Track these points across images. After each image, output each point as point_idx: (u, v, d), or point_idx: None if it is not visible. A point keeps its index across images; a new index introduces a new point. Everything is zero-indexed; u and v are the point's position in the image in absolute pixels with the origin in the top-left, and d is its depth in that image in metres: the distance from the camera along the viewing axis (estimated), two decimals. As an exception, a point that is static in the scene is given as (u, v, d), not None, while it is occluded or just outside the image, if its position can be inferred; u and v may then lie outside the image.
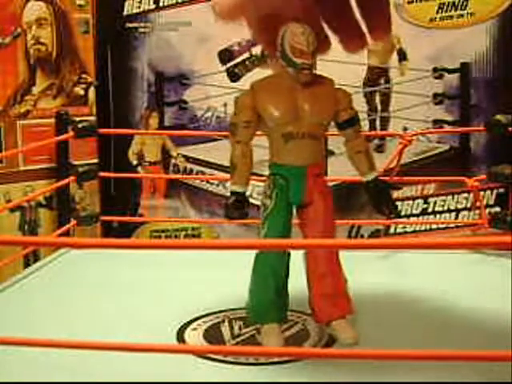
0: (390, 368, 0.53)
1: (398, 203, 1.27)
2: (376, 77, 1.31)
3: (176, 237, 1.25)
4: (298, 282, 0.61)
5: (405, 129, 1.28)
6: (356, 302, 0.62)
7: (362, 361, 0.36)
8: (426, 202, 1.32)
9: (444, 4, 1.27)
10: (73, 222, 1.01)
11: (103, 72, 1.24)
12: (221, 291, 0.72)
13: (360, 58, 1.27)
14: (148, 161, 1.27)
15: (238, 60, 1.25)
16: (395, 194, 1.26)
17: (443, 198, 1.32)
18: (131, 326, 0.65)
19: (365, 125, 1.26)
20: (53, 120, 1.12)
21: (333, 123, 0.61)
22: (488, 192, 1.31)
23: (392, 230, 1.29)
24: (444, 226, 1.31)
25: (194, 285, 0.76)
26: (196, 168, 1.28)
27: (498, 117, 0.95)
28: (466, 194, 1.31)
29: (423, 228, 1.31)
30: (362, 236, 1.26)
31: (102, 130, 1.06)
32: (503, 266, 0.80)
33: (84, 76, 1.19)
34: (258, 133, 0.60)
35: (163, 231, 1.26)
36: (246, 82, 1.18)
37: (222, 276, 0.77)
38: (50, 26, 1.14)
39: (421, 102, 1.30)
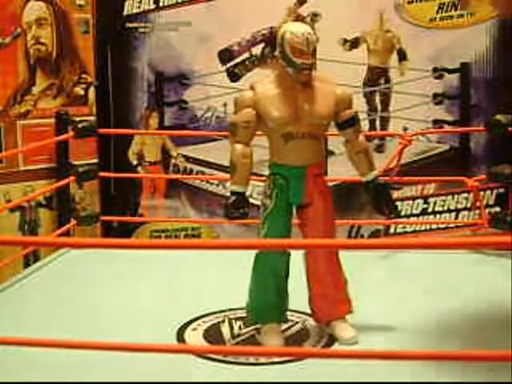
0: (390, 368, 0.52)
1: (398, 203, 1.27)
2: (376, 77, 1.31)
3: (176, 237, 1.25)
4: (297, 282, 0.61)
5: (405, 129, 1.28)
6: (356, 302, 0.62)
7: (361, 361, 0.36)
8: (426, 202, 1.32)
9: (444, 4, 1.27)
10: (73, 221, 1.01)
11: (103, 72, 1.24)
12: (221, 291, 0.72)
13: (360, 58, 1.27)
14: (148, 161, 1.27)
15: (238, 60, 1.25)
16: (395, 194, 1.25)
17: (443, 198, 1.32)
18: (131, 325, 0.65)
19: (365, 125, 1.26)
20: (53, 120, 1.12)
21: (333, 123, 0.61)
22: (488, 192, 1.31)
23: (392, 230, 1.29)
24: (444, 225, 1.31)
25: (194, 285, 0.76)
26: (196, 168, 1.28)
27: (498, 117, 0.95)
28: (465, 194, 1.31)
29: (423, 228, 1.31)
30: (362, 236, 1.26)
31: (102, 130, 1.06)
32: (503, 266, 0.80)
33: (84, 76, 1.19)
34: (258, 133, 0.60)
35: (163, 231, 1.26)
36: (245, 82, 1.18)
37: (222, 276, 0.77)
38: (50, 26, 1.13)
39: (421, 101, 1.30)
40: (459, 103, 1.33)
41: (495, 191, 1.31)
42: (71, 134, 1.00)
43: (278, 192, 0.59)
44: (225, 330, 0.63)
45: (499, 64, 1.29)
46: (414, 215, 1.31)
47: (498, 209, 1.28)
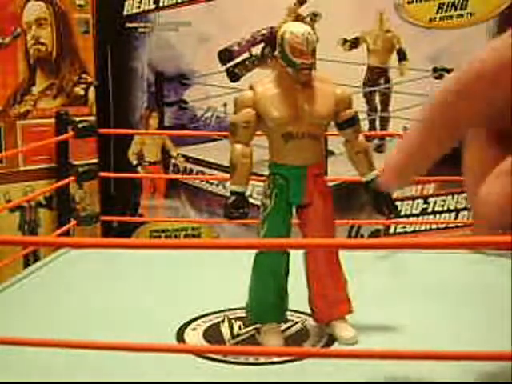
0: (390, 368, 0.53)
1: (398, 203, 1.27)
2: (376, 77, 1.31)
3: (176, 237, 1.25)
4: (297, 282, 0.61)
5: (405, 129, 1.28)
6: (356, 302, 0.62)
7: (361, 361, 0.36)
8: (425, 202, 1.32)
9: (444, 4, 1.27)
10: (73, 222, 1.01)
11: (103, 72, 1.24)
12: (221, 291, 0.72)
13: (360, 58, 1.27)
14: (148, 161, 1.27)
15: (238, 60, 1.25)
16: (395, 194, 1.26)
17: (443, 197, 1.32)
18: (131, 325, 0.65)
19: (365, 125, 1.26)
20: (53, 120, 1.12)
21: (333, 123, 0.62)
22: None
23: (392, 230, 1.29)
24: (444, 225, 1.31)
25: (194, 285, 0.76)
26: (196, 168, 1.28)
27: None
28: (465, 194, 1.31)
29: (423, 228, 1.31)
30: (362, 236, 1.26)
31: (102, 130, 1.06)
32: (503, 266, 0.80)
33: (84, 76, 1.19)
34: (258, 133, 0.60)
35: (163, 231, 1.26)
36: (245, 82, 1.18)
37: (222, 276, 0.77)
38: (50, 26, 1.14)
39: (421, 102, 1.30)
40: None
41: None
42: (71, 133, 1.00)
43: (277, 192, 0.59)
44: (225, 329, 0.63)
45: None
46: (413, 215, 1.31)
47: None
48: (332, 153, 1.20)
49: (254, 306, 0.61)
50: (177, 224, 1.26)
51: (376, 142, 1.28)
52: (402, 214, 1.29)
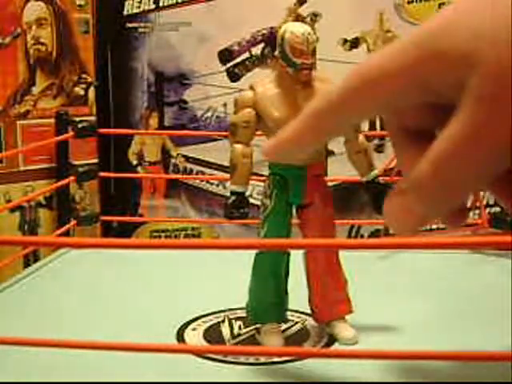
0: (390, 368, 0.53)
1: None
2: (376, 77, 1.31)
3: (176, 237, 1.25)
4: (297, 282, 0.61)
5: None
6: (356, 302, 0.62)
7: (361, 361, 0.36)
8: (425, 202, 1.32)
9: (444, 4, 1.27)
10: (73, 222, 1.01)
11: (103, 72, 1.24)
12: (221, 291, 0.72)
13: (360, 58, 1.27)
14: (148, 161, 1.26)
15: (238, 60, 1.25)
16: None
17: (443, 198, 1.32)
18: (131, 325, 0.65)
19: (365, 125, 1.26)
20: (53, 120, 1.12)
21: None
22: (488, 192, 1.31)
23: (392, 230, 1.29)
24: (444, 225, 1.31)
25: (194, 284, 0.76)
26: (196, 168, 1.28)
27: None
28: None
29: (423, 228, 1.31)
30: (362, 236, 1.26)
31: (102, 130, 1.06)
32: (503, 266, 0.80)
33: (84, 76, 1.19)
34: (258, 133, 0.60)
35: (163, 231, 1.26)
36: (245, 82, 1.18)
37: (222, 276, 0.77)
38: (50, 26, 1.14)
39: (421, 102, 1.30)
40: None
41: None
42: (71, 133, 1.00)
43: (277, 192, 0.59)
44: (225, 329, 0.63)
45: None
46: (413, 215, 1.31)
47: (498, 209, 1.28)
48: (332, 153, 1.20)
49: (254, 306, 0.61)
50: (177, 224, 1.26)
51: (376, 141, 1.28)
52: (402, 214, 1.29)
